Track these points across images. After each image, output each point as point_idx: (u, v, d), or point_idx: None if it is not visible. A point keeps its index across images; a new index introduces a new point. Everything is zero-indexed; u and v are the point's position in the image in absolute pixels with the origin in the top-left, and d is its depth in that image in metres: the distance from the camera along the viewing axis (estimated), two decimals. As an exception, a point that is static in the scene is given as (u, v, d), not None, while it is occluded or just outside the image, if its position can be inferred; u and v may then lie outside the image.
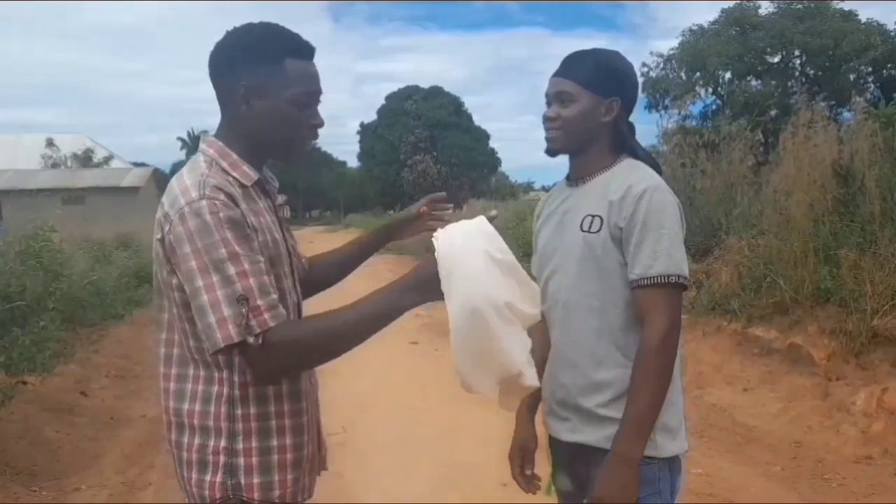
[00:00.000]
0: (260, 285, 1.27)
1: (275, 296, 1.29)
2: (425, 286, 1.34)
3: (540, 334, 1.79)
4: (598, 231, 1.59)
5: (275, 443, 1.36)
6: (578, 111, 1.64)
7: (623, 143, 1.70)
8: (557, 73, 1.69)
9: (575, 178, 1.73)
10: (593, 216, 1.61)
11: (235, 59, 1.38)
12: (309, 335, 1.33)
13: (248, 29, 1.41)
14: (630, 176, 1.61)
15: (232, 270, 1.25)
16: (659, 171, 1.67)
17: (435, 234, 1.39)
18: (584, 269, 1.61)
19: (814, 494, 3.63)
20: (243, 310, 1.24)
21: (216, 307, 1.24)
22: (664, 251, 1.52)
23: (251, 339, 1.24)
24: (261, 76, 1.37)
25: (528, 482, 1.82)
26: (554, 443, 1.75)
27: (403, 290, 1.35)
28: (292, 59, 1.39)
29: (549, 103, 1.70)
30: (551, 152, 1.71)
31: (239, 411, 1.34)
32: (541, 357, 1.77)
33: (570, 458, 1.69)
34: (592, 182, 1.67)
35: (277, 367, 1.33)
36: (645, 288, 1.53)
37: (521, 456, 1.83)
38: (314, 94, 1.42)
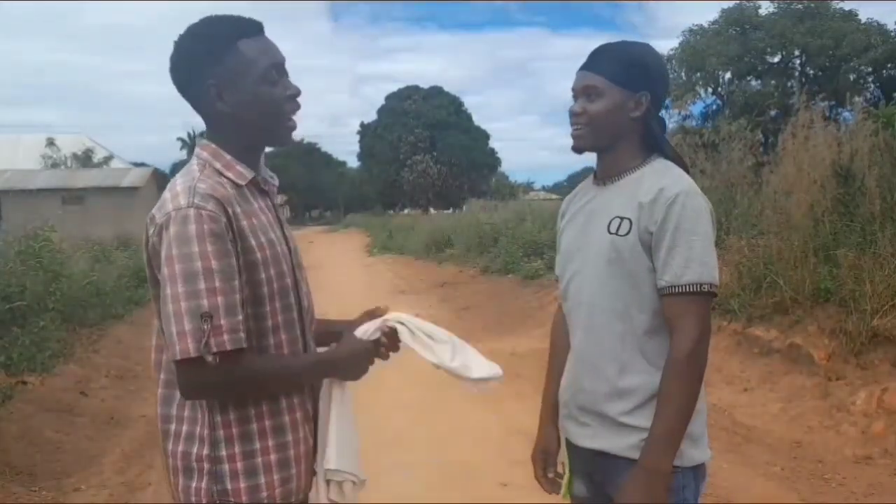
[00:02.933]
0: (227, 304, 1.27)
1: (240, 318, 1.29)
2: (355, 367, 1.49)
3: (562, 335, 1.77)
4: (626, 234, 1.53)
5: (257, 445, 1.37)
6: (605, 106, 1.57)
7: (653, 141, 1.62)
8: (584, 67, 1.61)
9: (602, 176, 1.65)
10: (622, 218, 1.54)
11: (193, 63, 1.38)
12: (259, 373, 1.36)
13: (192, 31, 1.40)
14: (662, 178, 1.54)
15: (202, 285, 1.25)
16: (687, 171, 1.61)
17: (387, 317, 1.55)
18: (609, 271, 1.55)
19: (814, 494, 3.63)
20: (205, 326, 1.24)
21: (179, 318, 1.24)
22: (696, 259, 1.47)
23: (209, 358, 1.25)
24: (223, 69, 1.36)
25: (550, 484, 1.79)
26: (571, 447, 1.71)
27: (336, 365, 1.48)
28: (244, 39, 1.38)
29: (575, 98, 1.62)
30: (578, 150, 1.64)
31: (219, 418, 1.35)
32: (562, 359, 1.74)
33: (589, 464, 1.65)
34: (621, 182, 1.60)
35: (213, 390, 1.34)
36: (675, 296, 1.48)
37: (543, 458, 1.81)
38: (278, 65, 1.41)
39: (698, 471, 1.57)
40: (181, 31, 1.40)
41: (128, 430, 5.01)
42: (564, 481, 1.76)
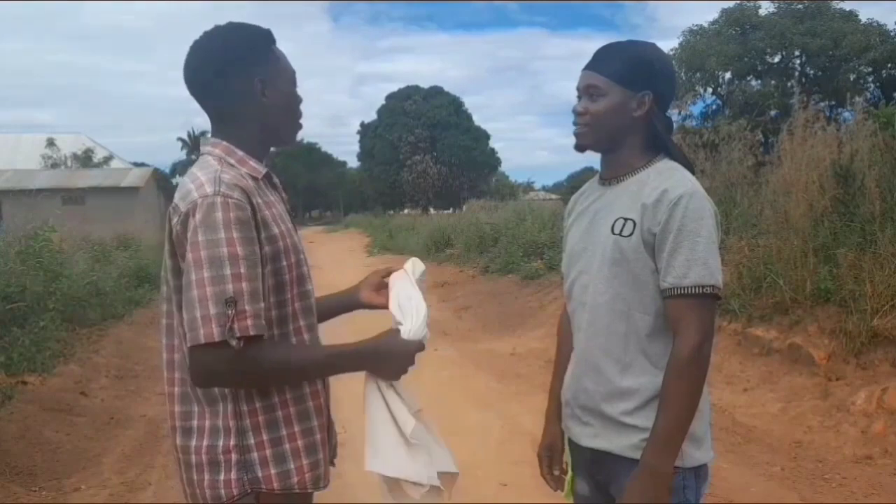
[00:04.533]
0: (252, 290, 1.29)
1: (262, 305, 1.31)
2: (393, 367, 1.46)
3: (568, 334, 1.77)
4: (629, 235, 1.53)
5: (284, 432, 1.39)
6: (607, 106, 1.58)
7: (658, 141, 1.62)
8: (587, 66, 1.62)
9: (607, 176, 1.66)
10: (626, 219, 1.54)
11: (240, 59, 1.43)
12: (282, 361, 1.36)
13: (226, 33, 1.46)
14: (666, 179, 1.53)
15: (228, 271, 1.27)
16: (692, 171, 1.61)
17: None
18: (613, 272, 1.55)
19: (814, 494, 3.63)
20: (229, 311, 1.25)
21: (203, 303, 1.26)
22: (699, 260, 1.46)
23: (233, 342, 1.25)
24: (267, 69, 1.46)
25: (555, 481, 1.80)
26: (574, 447, 1.71)
27: (371, 359, 1.45)
28: (274, 46, 1.49)
29: (579, 97, 1.63)
30: (580, 148, 1.65)
31: (245, 407, 1.36)
32: (568, 358, 1.74)
33: (590, 463, 1.65)
34: (626, 182, 1.60)
35: (231, 376, 1.32)
36: (678, 297, 1.48)
37: (548, 455, 1.81)
38: (295, 73, 1.54)
39: (700, 471, 1.57)
40: (209, 32, 1.46)
41: (128, 430, 5.01)
42: (567, 480, 1.77)
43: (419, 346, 1.47)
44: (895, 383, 4.36)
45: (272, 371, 1.35)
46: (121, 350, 7.21)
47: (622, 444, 1.55)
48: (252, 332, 1.27)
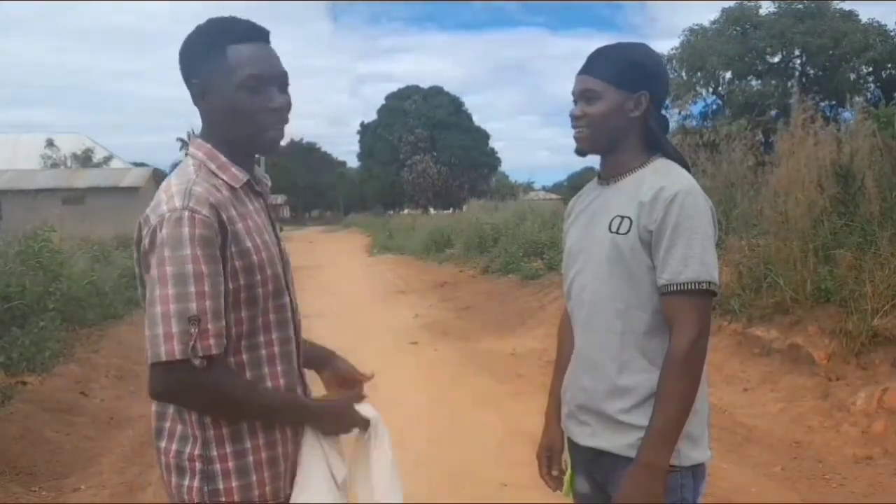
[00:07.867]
0: (215, 309, 1.27)
1: (223, 323, 1.29)
2: (335, 423, 1.50)
3: (568, 334, 1.77)
4: (626, 233, 1.54)
5: (248, 444, 1.36)
6: (604, 108, 1.59)
7: (654, 140, 1.64)
8: (582, 70, 1.64)
9: (606, 176, 1.68)
10: (622, 217, 1.56)
11: (186, 60, 1.40)
12: (233, 392, 1.34)
13: (195, 28, 1.42)
14: (662, 177, 1.55)
15: (192, 288, 1.24)
16: (688, 169, 1.62)
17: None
18: (610, 270, 1.56)
19: (814, 494, 3.63)
20: (192, 329, 1.24)
21: (166, 320, 1.24)
22: (695, 257, 1.47)
23: (196, 361, 1.24)
24: (207, 70, 1.37)
25: (555, 482, 1.81)
26: (573, 446, 1.72)
27: (316, 417, 1.47)
28: (235, 44, 1.36)
29: (575, 101, 1.66)
30: (580, 152, 1.67)
31: (209, 418, 1.34)
32: (569, 358, 1.75)
33: (589, 462, 1.66)
34: (623, 181, 1.62)
35: (190, 394, 1.31)
36: (674, 294, 1.49)
37: (548, 456, 1.82)
38: (263, 75, 1.38)
39: (697, 471, 1.57)
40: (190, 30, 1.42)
41: (128, 430, 5.00)
42: (566, 479, 1.78)
43: (364, 422, 1.52)
44: (895, 383, 4.36)
45: (226, 395, 1.33)
46: (121, 350, 7.20)
47: (619, 442, 1.56)
48: (214, 351, 1.26)
